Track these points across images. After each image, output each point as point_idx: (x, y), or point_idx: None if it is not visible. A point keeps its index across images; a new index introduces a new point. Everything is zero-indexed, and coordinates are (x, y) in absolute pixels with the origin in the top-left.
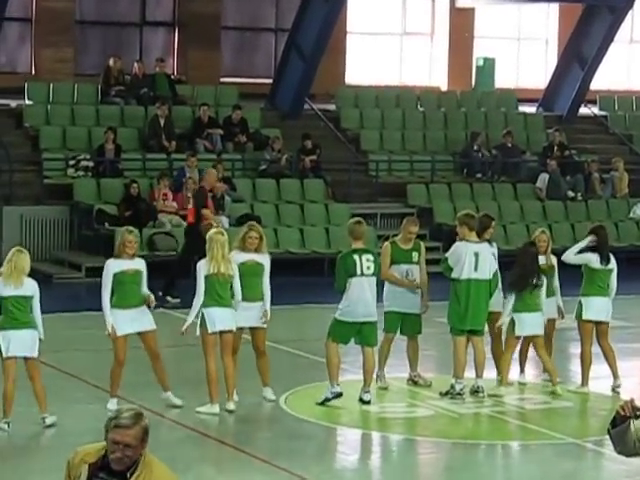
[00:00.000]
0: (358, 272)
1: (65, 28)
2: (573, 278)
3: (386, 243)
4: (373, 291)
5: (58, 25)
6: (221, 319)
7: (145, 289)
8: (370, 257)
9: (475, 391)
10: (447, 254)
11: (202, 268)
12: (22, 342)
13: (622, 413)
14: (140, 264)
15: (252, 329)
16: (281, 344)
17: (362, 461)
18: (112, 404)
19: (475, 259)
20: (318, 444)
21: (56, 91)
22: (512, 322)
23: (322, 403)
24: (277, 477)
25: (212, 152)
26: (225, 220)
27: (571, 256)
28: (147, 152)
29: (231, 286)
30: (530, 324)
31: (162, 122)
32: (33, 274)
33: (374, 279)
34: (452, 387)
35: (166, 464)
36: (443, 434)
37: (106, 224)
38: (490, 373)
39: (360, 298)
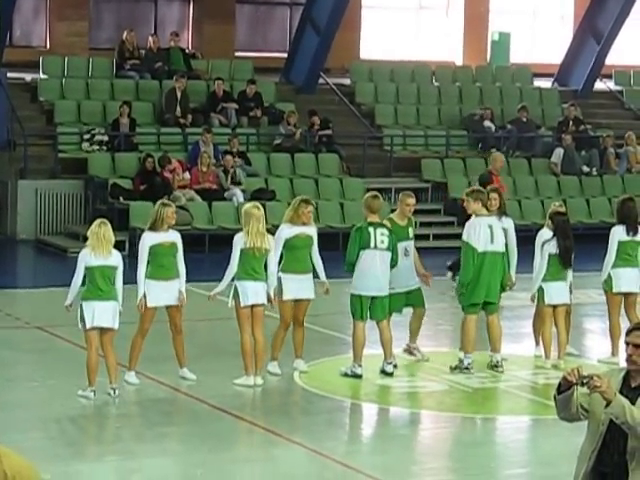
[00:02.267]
0: (372, 245)
1: (80, 2)
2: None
3: (384, 221)
4: (386, 265)
5: None
6: (254, 293)
7: (181, 263)
8: (385, 231)
9: (494, 365)
10: (464, 237)
11: (238, 242)
12: (105, 313)
13: (569, 379)
14: (175, 236)
15: (297, 301)
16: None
17: (376, 435)
18: (131, 377)
19: (490, 232)
20: (332, 418)
21: (71, 65)
22: (542, 292)
23: (343, 375)
24: (291, 451)
25: (227, 126)
26: (240, 194)
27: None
28: (162, 126)
29: (267, 260)
30: (558, 293)
31: (179, 95)
32: (48, 247)
33: (388, 253)
34: (460, 361)
35: (180, 437)
36: (457, 409)
37: (121, 198)
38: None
39: (371, 271)
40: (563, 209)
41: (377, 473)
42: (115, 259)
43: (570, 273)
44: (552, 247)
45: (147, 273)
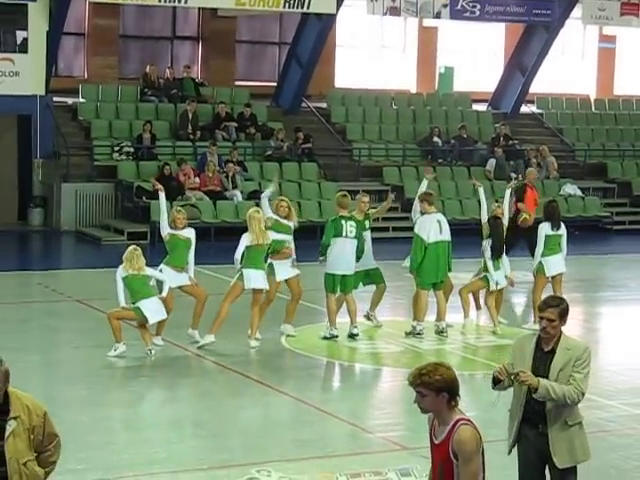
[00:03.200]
0: (343, 234)
1: (111, 41)
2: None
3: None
4: (353, 250)
5: (105, 38)
6: (256, 279)
7: (192, 256)
8: (353, 223)
9: (440, 331)
10: (416, 230)
11: (245, 239)
12: (155, 307)
13: (500, 377)
14: (190, 233)
15: (286, 280)
16: (282, 294)
17: (345, 386)
18: (158, 340)
19: (439, 225)
20: (311, 373)
21: (104, 91)
22: (486, 278)
23: (323, 338)
24: (279, 399)
25: (228, 141)
26: (239, 194)
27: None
28: (177, 140)
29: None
30: (497, 278)
31: (190, 116)
32: (85, 237)
33: (355, 241)
34: (414, 328)
35: (191, 387)
36: (410, 366)
37: (143, 198)
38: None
39: (342, 255)
40: (503, 214)
41: (347, 417)
42: (148, 271)
43: (506, 261)
44: (489, 244)
45: (165, 261)
